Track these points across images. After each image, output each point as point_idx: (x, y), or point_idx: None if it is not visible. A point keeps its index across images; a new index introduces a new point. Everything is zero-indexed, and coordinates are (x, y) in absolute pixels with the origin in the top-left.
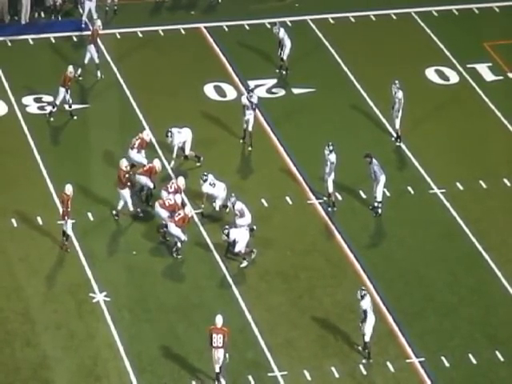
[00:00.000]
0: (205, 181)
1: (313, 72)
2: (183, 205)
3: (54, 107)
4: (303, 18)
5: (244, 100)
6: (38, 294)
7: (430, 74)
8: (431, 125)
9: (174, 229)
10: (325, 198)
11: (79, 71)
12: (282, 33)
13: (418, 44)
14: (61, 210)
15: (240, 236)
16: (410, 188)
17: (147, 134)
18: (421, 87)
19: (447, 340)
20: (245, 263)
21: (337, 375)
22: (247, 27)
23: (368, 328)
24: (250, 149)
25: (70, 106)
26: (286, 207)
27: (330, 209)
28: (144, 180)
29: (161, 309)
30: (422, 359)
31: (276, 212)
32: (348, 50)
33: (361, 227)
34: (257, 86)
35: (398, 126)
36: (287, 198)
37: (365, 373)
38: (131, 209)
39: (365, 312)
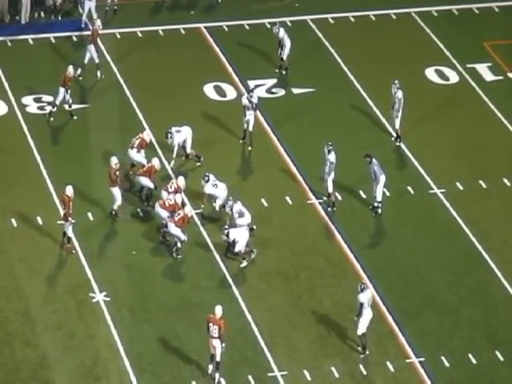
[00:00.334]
0: (207, 181)
1: (313, 72)
2: (183, 205)
3: (53, 107)
4: (303, 17)
5: (244, 100)
6: (38, 294)
7: (430, 73)
8: (431, 125)
9: (173, 229)
10: (325, 198)
11: (79, 71)
12: (281, 33)
13: (417, 44)
14: (62, 212)
15: (240, 236)
16: (409, 188)
17: (147, 134)
18: (421, 87)
19: (447, 340)
20: (244, 263)
21: (337, 375)
22: (247, 27)
23: (362, 323)
24: (249, 149)
25: (70, 106)
26: (286, 207)
27: (329, 209)
28: (144, 181)
29: (161, 309)
30: (422, 359)
31: (276, 212)
32: (348, 50)
33: (361, 227)
34: (257, 86)
35: (397, 125)
36: (287, 198)
37: (365, 373)
38: (115, 207)
39: (361, 305)
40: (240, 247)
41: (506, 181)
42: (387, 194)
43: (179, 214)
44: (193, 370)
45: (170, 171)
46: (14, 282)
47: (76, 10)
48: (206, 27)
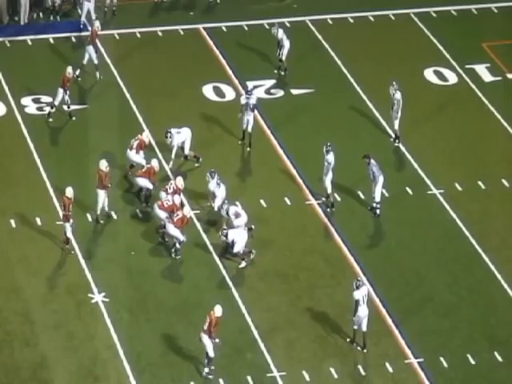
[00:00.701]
0: (213, 178)
1: (311, 73)
2: (182, 205)
3: (52, 108)
4: (302, 18)
5: (243, 100)
6: (37, 295)
7: (429, 74)
8: (430, 125)
9: (172, 229)
10: (323, 199)
11: (78, 72)
12: (280, 33)
13: (416, 45)
14: (61, 214)
15: (238, 236)
16: (408, 189)
17: (146, 136)
18: (419, 88)
19: (446, 340)
20: (243, 264)
21: (336, 376)
22: (246, 28)
23: (357, 319)
24: (248, 149)
25: (69, 107)
26: (285, 208)
27: (328, 209)
28: (143, 182)
29: (160, 309)
30: (421, 360)
31: (275, 212)
32: (347, 51)
33: (360, 228)
34: (255, 87)
35: (396, 126)
36: (286, 199)
37: (364, 373)
38: (98, 212)
39: (356, 302)
40: (239, 248)
41: (504, 181)
42: (386, 194)
43: (178, 215)
44: (192, 371)
45: (169, 172)
46: (13, 282)
47: (75, 11)
48: (204, 28)
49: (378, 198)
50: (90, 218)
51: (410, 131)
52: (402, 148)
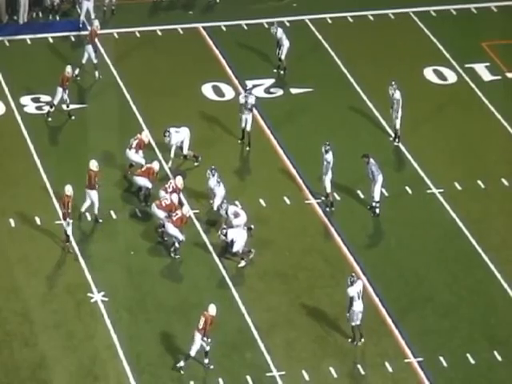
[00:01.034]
0: (213, 175)
1: (311, 72)
2: (181, 204)
3: (51, 107)
4: (301, 17)
5: (242, 99)
6: (37, 295)
7: (428, 73)
8: (429, 125)
9: (171, 229)
10: (323, 198)
11: (77, 71)
12: (279, 33)
13: (416, 44)
14: (61, 212)
15: (238, 236)
16: (408, 188)
17: (146, 135)
18: (419, 87)
19: (446, 340)
20: (243, 263)
21: (335, 375)
22: (245, 27)
23: (352, 315)
24: (247, 149)
25: (68, 106)
26: (285, 207)
27: (328, 209)
28: (142, 181)
29: (159, 309)
30: (421, 359)
31: (274, 212)
32: (346, 50)
33: (359, 227)
34: (255, 86)
35: (398, 126)
36: (285, 198)
37: (363, 373)
38: (96, 212)
39: (351, 299)
40: (238, 247)
41: (504, 181)
42: (385, 194)
43: (177, 214)
44: (191, 371)
45: (168, 171)
46: (13, 282)
47: (74, 10)
48: (204, 27)
49: (377, 198)
50: (89, 218)
51: (410, 130)
52: (402, 147)
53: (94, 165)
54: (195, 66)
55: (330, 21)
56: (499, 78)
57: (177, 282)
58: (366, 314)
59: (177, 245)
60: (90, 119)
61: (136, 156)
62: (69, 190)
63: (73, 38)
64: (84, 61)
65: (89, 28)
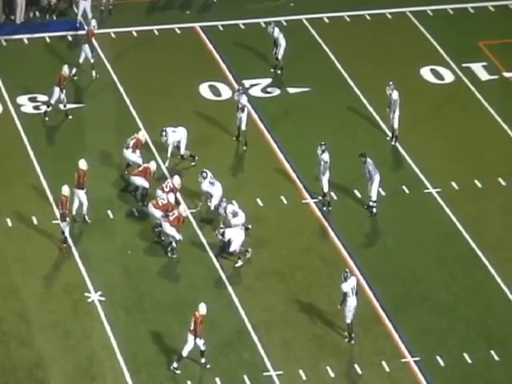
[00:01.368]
0: (204, 178)
1: (308, 71)
2: (178, 204)
3: (48, 107)
4: (298, 17)
5: (236, 97)
6: (34, 294)
7: (425, 73)
8: (426, 124)
9: (168, 228)
10: (320, 198)
11: (74, 71)
12: (276, 32)
13: (413, 43)
14: (58, 212)
15: (235, 235)
16: (405, 187)
17: (142, 135)
18: (416, 87)
19: (443, 340)
20: (240, 263)
21: (332, 375)
22: (242, 27)
23: (347, 311)
24: (244, 148)
25: (65, 106)
26: (282, 207)
27: (325, 208)
28: (139, 181)
29: (156, 309)
30: (418, 359)
31: (271, 212)
32: (343, 50)
33: (356, 227)
34: (252, 86)
35: (396, 125)
36: (282, 198)
37: (360, 372)
38: (85, 211)
39: (344, 295)
40: (235, 247)
41: (501, 180)
42: (383, 193)
43: (174, 214)
44: (188, 370)
45: (165, 171)
46: (10, 281)
47: (71, 10)
48: (201, 27)
49: (374, 197)
50: (86, 217)
51: (407, 130)
52: (399, 147)
53: (83, 164)
54: (192, 66)
55: (327, 20)
56: (496, 77)
57: (174, 282)
58: (363, 313)
59: (174, 244)
60: (87, 119)
61: (133, 155)
62: (66, 190)
63: (70, 38)
64: (81, 60)
65: (86, 28)
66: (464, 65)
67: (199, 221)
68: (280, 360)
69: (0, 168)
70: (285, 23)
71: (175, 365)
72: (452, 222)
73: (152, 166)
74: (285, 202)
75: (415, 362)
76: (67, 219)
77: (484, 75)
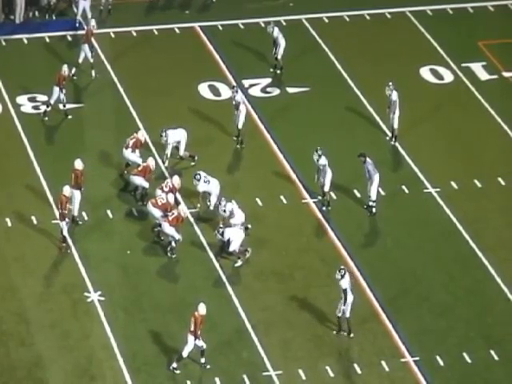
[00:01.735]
0: (198, 180)
1: (307, 71)
2: (177, 204)
3: (48, 106)
4: (298, 17)
5: (232, 95)
6: (33, 294)
7: (425, 73)
8: (426, 124)
9: (168, 228)
10: (319, 198)
11: (73, 70)
12: (276, 32)
13: (412, 43)
14: (58, 212)
15: (234, 235)
16: (404, 187)
17: (142, 134)
18: (415, 86)
19: (442, 339)
20: (239, 262)
21: (332, 374)
22: (242, 26)
23: (347, 308)
24: (238, 146)
25: (65, 106)
26: (281, 206)
27: (324, 208)
28: (139, 180)
29: (155, 308)
30: (417, 358)
31: (271, 211)
32: (342, 49)
33: (356, 226)
34: (251, 85)
35: (395, 125)
36: (282, 198)
37: (360, 372)
38: (75, 213)
39: (345, 291)
40: (234, 246)
41: (500, 180)
42: (382, 193)
43: (173, 214)
44: (187, 370)
45: (165, 171)
46: (9, 281)
47: (70, 10)
48: (200, 26)
49: (373, 197)
50: (86, 217)
51: (406, 130)
52: (398, 146)
53: (78, 164)
54: (192, 66)
55: (326, 20)
56: (496, 77)
57: (173, 282)
58: (362, 313)
59: (173, 244)
60: (86, 118)
61: (132, 155)
62: (67, 190)
63: (69, 38)
64: (80, 60)
65: (85, 27)
66: (463, 65)
67: (199, 221)
68: (279, 360)
69: None
70: (284, 23)
71: (175, 365)
72: (451, 221)
73: (150, 163)
74: (284, 201)
75: (414, 361)
76: (66, 219)
77: (483, 75)
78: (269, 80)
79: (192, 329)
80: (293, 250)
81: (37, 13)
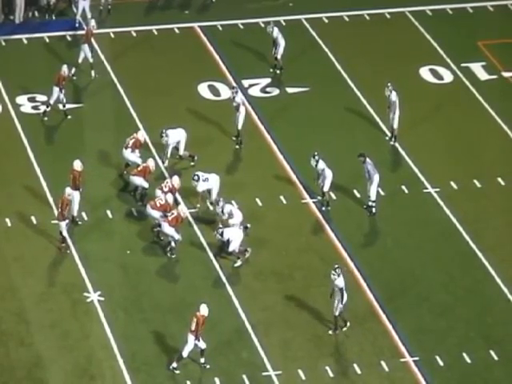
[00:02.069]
0: (197, 180)
1: (307, 71)
2: (177, 204)
3: (48, 107)
4: (297, 17)
5: (231, 96)
6: (33, 294)
7: (424, 73)
8: (425, 124)
9: (167, 228)
10: (319, 198)
11: (73, 71)
12: (275, 32)
13: (412, 43)
14: (57, 212)
15: (234, 235)
16: (404, 187)
17: (142, 134)
18: (415, 86)
19: (442, 339)
20: (239, 262)
21: (331, 375)
22: (241, 26)
23: (343, 305)
24: (237, 147)
25: (64, 106)
26: (281, 206)
27: (324, 208)
28: (138, 181)
29: (155, 308)
30: (417, 358)
31: (270, 211)
32: (342, 50)
33: (355, 226)
34: (251, 86)
35: (395, 125)
36: (281, 198)
37: (359, 372)
38: (75, 213)
39: (341, 290)
40: (234, 247)
41: (500, 180)
42: (382, 193)
43: (173, 214)
44: (187, 370)
45: (164, 171)
46: (9, 281)
47: (70, 10)
48: (200, 26)
49: (373, 197)
50: (85, 217)
51: (406, 130)
52: (398, 147)
53: (77, 165)
54: (191, 66)
55: (326, 20)
56: (495, 77)
57: (173, 282)
58: (362, 312)
59: (173, 244)
60: (86, 119)
61: (132, 155)
62: (69, 192)
63: (69, 38)
64: (80, 60)
65: (85, 27)
66: (463, 65)
67: (198, 221)
68: (279, 360)
69: None
70: (284, 23)
71: (175, 365)
72: (451, 221)
73: (150, 163)
74: (284, 201)
75: (414, 361)
76: (66, 219)
77: (483, 75)
78: (268, 80)
79: (193, 329)
80: (292, 250)
81: (36, 13)
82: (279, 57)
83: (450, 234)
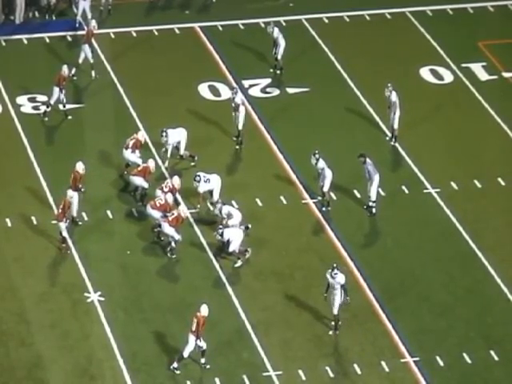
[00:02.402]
0: (199, 181)
1: (307, 71)
2: (177, 204)
3: (48, 107)
4: (298, 17)
5: (231, 97)
6: (33, 294)
7: (425, 73)
8: (426, 124)
9: (167, 228)
10: (319, 198)
11: (73, 71)
12: (276, 32)
13: (412, 43)
14: (57, 213)
15: (234, 235)
16: (404, 187)
17: (142, 135)
18: (415, 87)
19: (442, 339)
20: (239, 263)
21: (331, 375)
22: (242, 27)
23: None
24: (237, 147)
25: (65, 106)
26: (281, 207)
27: (324, 208)
28: (139, 181)
29: (155, 308)
30: (417, 359)
31: (271, 211)
32: (342, 50)
33: (355, 227)
34: (251, 86)
35: (396, 126)
36: (282, 198)
37: (359, 372)
38: (75, 214)
39: (343, 286)
40: (234, 247)
41: (500, 180)
42: (382, 193)
43: (173, 214)
44: (187, 370)
45: (165, 171)
46: (9, 281)
47: (70, 10)
48: (200, 27)
49: (373, 197)
50: (85, 217)
51: (406, 130)
52: (398, 147)
53: (80, 167)
54: (191, 66)
55: (326, 20)
56: (495, 77)
57: (173, 282)
58: (362, 313)
59: (173, 244)
60: (86, 119)
61: (132, 156)
62: (70, 194)
63: (69, 38)
64: (80, 60)
65: (85, 28)
66: (463, 65)
67: (198, 221)
68: (279, 360)
69: None
70: (284, 23)
71: (175, 365)
72: (451, 221)
73: (150, 164)
74: (284, 201)
75: (414, 361)
76: (66, 219)
77: (483, 75)
78: (269, 80)
79: (194, 329)
80: (292, 250)
81: (37, 13)
82: (279, 57)
83: (450, 234)
